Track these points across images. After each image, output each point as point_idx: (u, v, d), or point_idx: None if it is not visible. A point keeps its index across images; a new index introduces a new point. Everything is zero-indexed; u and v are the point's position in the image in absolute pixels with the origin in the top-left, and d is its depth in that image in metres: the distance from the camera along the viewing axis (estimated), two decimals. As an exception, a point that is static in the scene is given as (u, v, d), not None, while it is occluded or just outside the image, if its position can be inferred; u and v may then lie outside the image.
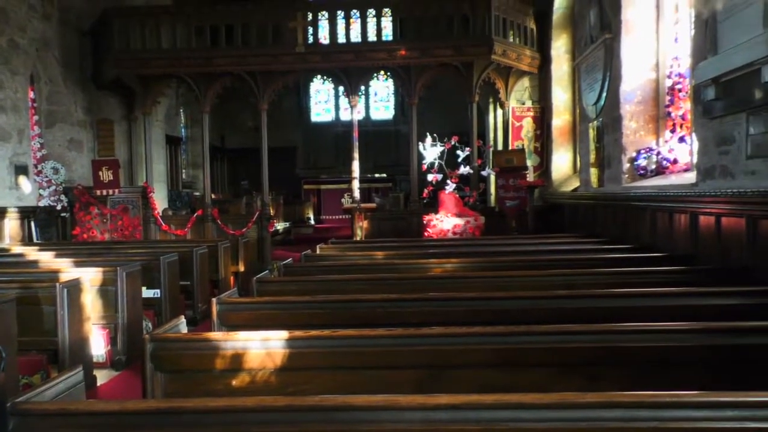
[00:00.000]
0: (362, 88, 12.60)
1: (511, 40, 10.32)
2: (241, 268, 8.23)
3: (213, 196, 11.96)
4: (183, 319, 2.78)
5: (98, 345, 4.89)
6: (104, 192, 9.72)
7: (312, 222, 16.64)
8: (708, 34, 4.49)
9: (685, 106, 6.29)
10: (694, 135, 5.32)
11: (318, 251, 6.22)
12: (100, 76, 10.83)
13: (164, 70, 10.36)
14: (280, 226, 13.49)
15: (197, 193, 14.58)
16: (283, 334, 2.48)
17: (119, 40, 10.18)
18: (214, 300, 3.24)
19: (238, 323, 3.18)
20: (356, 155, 10.99)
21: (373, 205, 11.53)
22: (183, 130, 16.50)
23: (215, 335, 2.57)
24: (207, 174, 10.96)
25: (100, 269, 5.04)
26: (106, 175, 9.70)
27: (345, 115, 19.38)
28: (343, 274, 4.71)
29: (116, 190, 9.77)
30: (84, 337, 4.47)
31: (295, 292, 4.03)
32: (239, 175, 18.96)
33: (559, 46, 10.35)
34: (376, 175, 18.64)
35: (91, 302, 4.67)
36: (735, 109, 4.27)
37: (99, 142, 11.26)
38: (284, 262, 4.99)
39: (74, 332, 4.31)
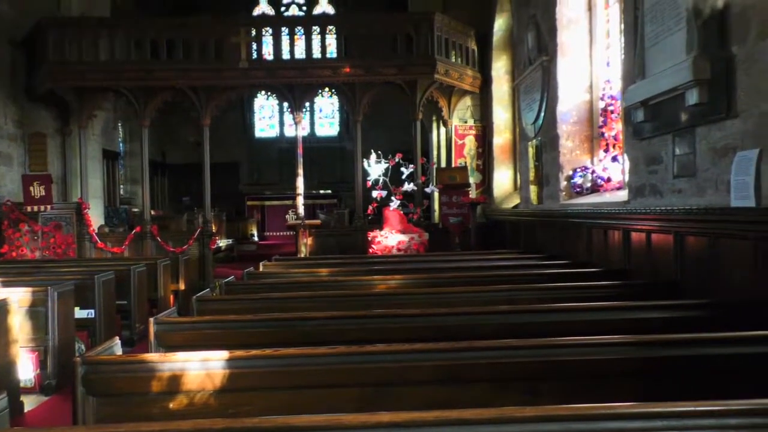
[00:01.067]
0: (307, 104, 12.60)
1: (454, 60, 10.55)
2: (182, 287, 8.02)
3: (153, 213, 11.63)
4: (118, 341, 2.68)
5: (26, 369, 4.65)
6: (35, 208, 9.30)
7: (256, 239, 16.40)
8: (636, 59, 4.71)
9: (617, 127, 6.56)
10: (625, 155, 5.55)
11: (261, 268, 6.13)
12: (33, 89, 10.41)
13: (101, 83, 10.07)
14: (222, 243, 13.24)
15: (136, 210, 14.15)
16: (223, 354, 2.42)
17: (54, 52, 9.83)
18: (151, 320, 3.15)
19: (176, 344, 3.10)
20: (301, 171, 10.94)
21: (318, 221, 11.49)
22: (121, 144, 16.03)
23: (152, 356, 2.49)
24: (146, 190, 10.67)
25: (29, 289, 4.81)
26: (37, 190, 9.29)
27: (290, 131, 19.29)
28: (287, 291, 4.66)
29: (48, 207, 9.37)
30: (10, 361, 4.24)
31: (237, 310, 3.96)
32: (181, 191, 18.53)
33: (500, 67, 10.66)
34: (321, 192, 18.59)
35: (19, 324, 4.45)
36: (662, 130, 4.49)
37: (31, 157, 10.78)
38: (226, 280, 4.90)
39: None
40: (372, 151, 10.12)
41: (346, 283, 5.02)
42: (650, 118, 4.61)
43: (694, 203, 4.03)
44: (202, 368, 2.40)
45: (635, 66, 4.76)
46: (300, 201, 10.89)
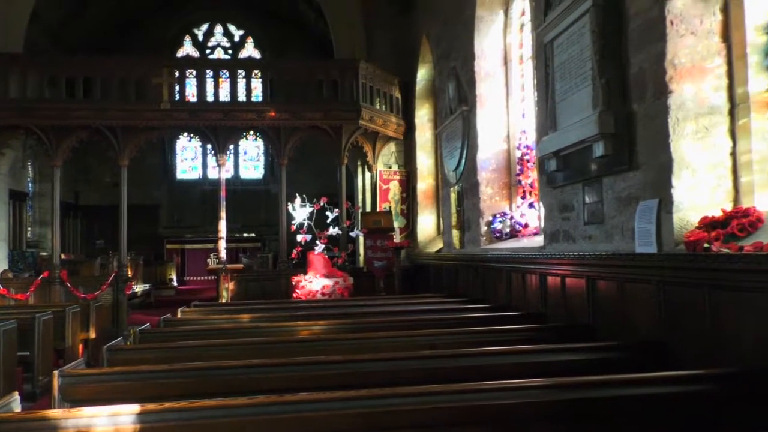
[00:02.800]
0: (231, 147, 12.47)
1: (378, 107, 10.79)
2: (92, 336, 7.57)
3: (63, 257, 11.02)
4: (17, 396, 2.50)
5: None
6: (-71, 252, 8.61)
7: (175, 283, 15.81)
8: (548, 113, 5.00)
9: (533, 175, 6.87)
10: (541, 202, 5.81)
11: (179, 315, 5.91)
12: (-67, 124, 9.77)
13: (9, 120, 9.59)
14: (138, 288, 12.67)
15: (44, 254, 13.36)
16: (134, 408, 2.31)
17: (-42, 87, 9.30)
18: (55, 372, 2.95)
19: (83, 398, 2.92)
20: (223, 215, 10.73)
21: (240, 265, 11.24)
22: (30, 184, 15.21)
23: (54, 413, 2.34)
24: (56, 232, 10.11)
25: None
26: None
27: (213, 174, 18.94)
28: (206, 339, 4.50)
29: (-55, 250, 8.70)
30: None
31: (151, 360, 3.78)
32: (95, 234, 17.71)
33: (423, 115, 10.99)
34: (245, 235, 18.25)
35: None
36: (573, 180, 4.75)
37: (-73, 196, 10.05)
38: (141, 328, 4.68)
39: None
40: (297, 194, 10.08)
41: (268, 329, 4.91)
42: (562, 168, 4.87)
43: (604, 249, 4.25)
44: (110, 424, 2.27)
45: (547, 119, 5.04)
46: (222, 244, 10.65)
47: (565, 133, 4.66)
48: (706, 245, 3.15)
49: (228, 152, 11.25)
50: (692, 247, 3.25)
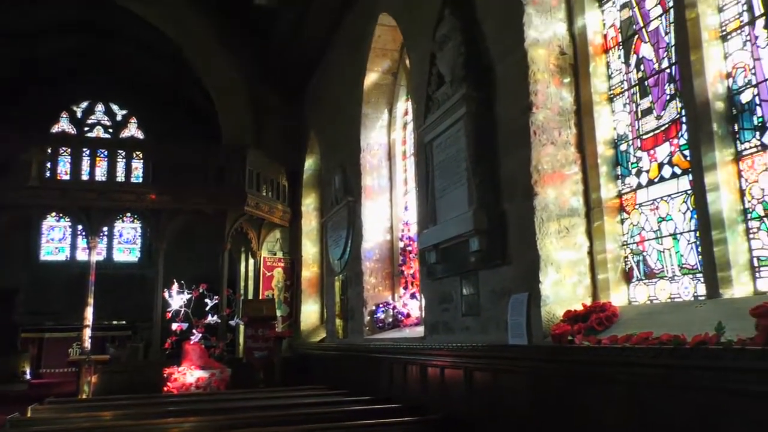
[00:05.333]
0: (106, 228, 11.81)
1: (265, 193, 10.78)
2: None
3: None
4: None
5: None
6: None
7: (28, 377, 14.21)
8: (429, 207, 5.25)
9: (415, 266, 7.08)
10: (422, 293, 5.96)
11: (30, 414, 5.30)
12: None
13: None
14: (-18, 383, 11.25)
15: None
16: None
17: None
18: None
19: None
20: (91, 300, 9.96)
21: (107, 356, 10.37)
22: None
23: None
24: None
25: None
26: None
27: (83, 255, 17.69)
28: (58, 442, 4.05)
29: None
30: None
31: (-10, 470, 3.33)
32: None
33: (309, 203, 11.10)
34: (114, 323, 16.93)
35: None
36: (452, 272, 4.94)
37: None
38: (-20, 432, 4.14)
39: None
40: (175, 280, 9.64)
41: (133, 428, 4.52)
42: (442, 261, 5.07)
43: (480, 340, 4.40)
44: None
45: (428, 213, 5.28)
46: (87, 333, 9.82)
47: (444, 227, 4.89)
48: (569, 338, 3.36)
49: (101, 234, 10.63)
50: (558, 339, 3.45)
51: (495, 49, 4.47)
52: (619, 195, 3.86)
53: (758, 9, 2.97)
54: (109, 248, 18.78)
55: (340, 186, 8.41)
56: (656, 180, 3.58)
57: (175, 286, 9.55)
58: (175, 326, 9.35)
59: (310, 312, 10.76)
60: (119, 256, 19.13)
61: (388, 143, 7.86)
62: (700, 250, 3.17)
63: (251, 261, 11.65)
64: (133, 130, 19.31)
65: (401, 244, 7.46)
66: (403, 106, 7.70)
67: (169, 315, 9.48)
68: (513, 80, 4.18)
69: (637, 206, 3.73)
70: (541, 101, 4.02)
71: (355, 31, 8.20)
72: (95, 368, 9.11)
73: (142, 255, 19.12)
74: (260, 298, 10.89)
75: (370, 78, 7.76)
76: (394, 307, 7.17)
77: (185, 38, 11.66)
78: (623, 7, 3.94)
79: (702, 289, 3.17)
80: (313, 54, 9.99)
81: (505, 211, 4.24)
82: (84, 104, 19.14)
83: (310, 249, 10.93)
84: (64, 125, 18.75)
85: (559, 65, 4.11)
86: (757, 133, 2.95)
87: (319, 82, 10.30)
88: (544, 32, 4.14)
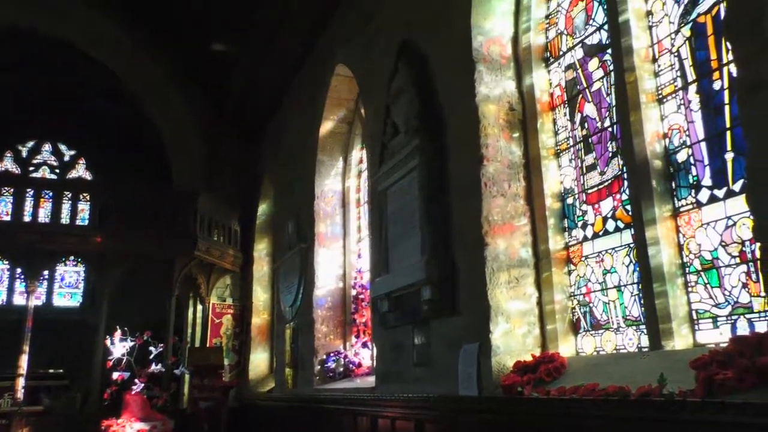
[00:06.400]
0: (46, 272, 11.35)
1: (216, 238, 10.61)
2: None
3: None
4: None
5: None
6: None
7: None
8: (382, 255, 5.26)
9: (367, 314, 7.03)
10: (374, 342, 5.91)
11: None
12: None
13: None
14: None
15: None
16: None
17: None
18: None
19: None
20: (27, 348, 9.48)
21: (40, 407, 9.82)
22: None
23: None
24: None
25: None
26: None
27: (20, 300, 16.88)
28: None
29: None
30: None
31: None
32: None
33: (261, 249, 10.96)
34: (51, 371, 16.08)
35: None
36: (404, 321, 4.93)
37: None
38: None
39: None
40: (118, 326, 9.29)
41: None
42: (394, 309, 5.05)
43: (432, 391, 4.36)
44: None
45: (381, 261, 5.29)
46: (21, 383, 9.29)
47: (396, 275, 4.90)
48: (519, 389, 3.38)
49: (42, 278, 10.21)
50: (508, 390, 3.46)
51: (448, 103, 4.60)
52: (566, 247, 3.97)
53: (690, 75, 3.18)
54: (49, 292, 17.98)
55: (293, 232, 8.37)
56: (601, 233, 3.70)
57: (118, 333, 9.22)
58: (116, 375, 8.99)
59: (259, 360, 10.49)
60: (60, 301, 18.33)
61: (342, 190, 7.90)
62: (642, 302, 3.27)
63: (200, 307, 11.35)
64: (81, 171, 18.82)
65: (354, 292, 7.42)
66: (358, 154, 7.79)
67: (110, 364, 9.12)
68: (465, 133, 4.30)
69: (583, 258, 3.84)
70: (491, 154, 4.14)
71: (312, 80, 8.33)
72: (27, 420, 8.60)
73: (85, 300, 18.36)
74: (208, 346, 10.57)
75: (326, 126, 7.85)
76: (346, 357, 7.07)
77: (140, 81, 11.57)
78: (568, 68, 4.14)
79: (645, 341, 3.25)
80: (271, 100, 10.06)
81: (456, 261, 4.29)
82: (30, 143, 18.61)
83: (261, 295, 10.74)
84: (7, 164, 18.15)
85: (508, 120, 4.26)
86: (693, 190, 3.11)
87: (276, 127, 10.35)
88: (494, 89, 4.29)
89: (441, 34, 4.78)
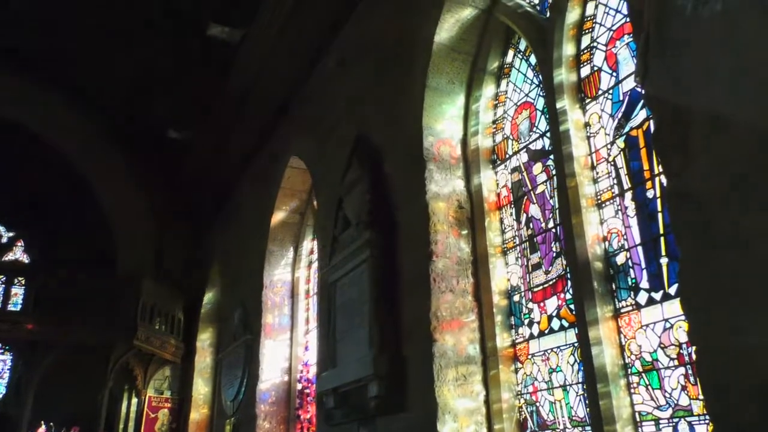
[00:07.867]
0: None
1: (158, 327, 10.20)
2: None
3: None
4: None
5: None
6: None
7: None
8: (329, 348, 5.16)
9: (312, 410, 6.78)
10: (318, 440, 5.67)
11: None
12: None
13: None
14: None
15: None
16: None
17: None
18: None
19: None
20: (-63, 445, 8.68)
21: None
22: None
23: None
24: None
25: None
26: None
27: (-65, 390, 15.58)
28: None
29: None
30: None
31: None
32: None
33: (205, 339, 10.58)
34: (-39, 471, 14.67)
35: None
36: (350, 417, 4.78)
37: None
38: None
39: None
40: (43, 421, 8.65)
41: None
42: (340, 405, 4.90)
43: (376, 494, 4.18)
44: None
45: (328, 354, 5.19)
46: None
47: (343, 370, 4.79)
48: (467, 493, 3.28)
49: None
50: (455, 494, 3.35)
51: (399, 199, 4.72)
52: (513, 344, 4.00)
53: (626, 183, 3.38)
54: (-31, 382, 16.70)
55: (239, 322, 8.15)
56: (546, 331, 3.76)
57: (43, 428, 8.56)
58: (35, 476, 8.24)
59: (195, 460, 9.87)
60: (-20, 392, 16.99)
61: (291, 281, 7.82)
62: (587, 402, 3.29)
63: (134, 400, 10.72)
64: (18, 254, 18.07)
65: (299, 386, 7.19)
66: (309, 245, 7.79)
67: (31, 462, 8.38)
68: (415, 229, 4.39)
69: (529, 356, 3.86)
70: (440, 250, 4.22)
71: (266, 170, 8.42)
72: None
73: (9, 390, 17.06)
74: (140, 442, 9.91)
75: (278, 216, 7.87)
76: (288, 456, 6.74)
77: (92, 164, 11.46)
78: (514, 170, 4.35)
79: (591, 442, 3.24)
80: (224, 187, 10.08)
81: (405, 357, 4.24)
82: (-35, 224, 17.89)
83: (201, 388, 10.25)
84: (-62, 244, 17.28)
85: (457, 218, 4.39)
86: (632, 292, 3.23)
87: (228, 215, 10.30)
88: (444, 187, 4.45)
89: (394, 133, 4.96)
